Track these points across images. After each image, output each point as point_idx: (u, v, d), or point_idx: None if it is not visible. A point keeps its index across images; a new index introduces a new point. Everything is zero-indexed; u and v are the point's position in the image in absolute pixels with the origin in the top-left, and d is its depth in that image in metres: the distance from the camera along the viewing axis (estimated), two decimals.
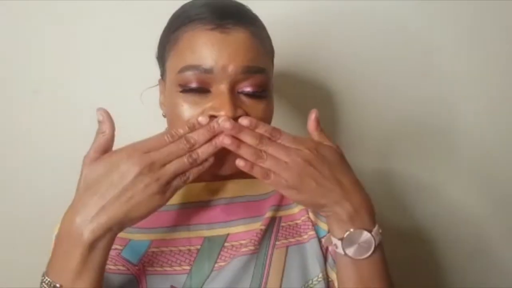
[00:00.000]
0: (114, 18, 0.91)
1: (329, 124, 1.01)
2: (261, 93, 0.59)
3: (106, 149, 0.54)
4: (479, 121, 1.06)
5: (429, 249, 1.09)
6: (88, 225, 0.49)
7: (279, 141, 0.55)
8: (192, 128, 0.54)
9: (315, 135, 0.59)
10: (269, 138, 0.55)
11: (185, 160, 0.53)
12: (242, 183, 0.66)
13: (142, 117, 0.92)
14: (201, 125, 0.54)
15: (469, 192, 1.09)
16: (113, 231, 0.51)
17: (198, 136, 0.53)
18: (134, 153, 0.51)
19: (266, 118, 0.60)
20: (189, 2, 0.63)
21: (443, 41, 1.01)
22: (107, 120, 0.56)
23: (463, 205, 1.09)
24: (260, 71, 0.58)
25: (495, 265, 1.11)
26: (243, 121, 0.54)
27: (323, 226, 0.66)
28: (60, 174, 0.92)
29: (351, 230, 0.55)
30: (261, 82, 0.59)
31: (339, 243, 0.56)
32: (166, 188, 0.52)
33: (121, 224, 0.51)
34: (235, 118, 0.56)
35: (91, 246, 0.50)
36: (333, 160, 0.56)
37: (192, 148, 0.53)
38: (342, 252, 0.56)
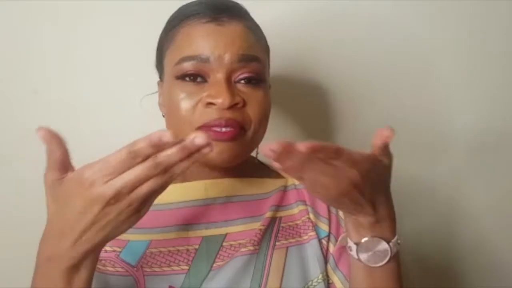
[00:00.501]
0: (114, 18, 0.91)
1: (327, 125, 1.01)
2: (258, 81, 0.61)
3: (63, 166, 0.48)
4: (478, 123, 1.06)
5: (429, 250, 1.09)
6: (67, 253, 0.46)
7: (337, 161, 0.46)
8: (157, 146, 0.43)
9: (378, 149, 0.50)
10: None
11: (158, 180, 0.44)
12: (241, 182, 0.66)
13: (142, 117, 0.92)
14: (167, 144, 0.43)
15: (468, 191, 1.09)
16: (95, 251, 0.48)
17: (169, 158, 0.43)
18: (92, 186, 0.43)
19: (264, 107, 0.61)
20: (184, 4, 0.65)
21: (442, 43, 1.01)
22: (52, 139, 0.49)
23: (461, 204, 1.09)
24: (255, 59, 0.60)
25: (494, 263, 1.11)
26: (305, 146, 0.42)
27: (323, 227, 0.66)
28: None
29: (369, 237, 0.52)
30: (257, 69, 0.61)
31: (354, 247, 0.53)
32: (141, 207, 0.46)
33: (102, 245, 0.48)
34: (233, 105, 0.57)
35: (74, 268, 0.47)
36: (379, 179, 0.51)
37: (165, 170, 0.44)
38: (356, 257, 0.53)
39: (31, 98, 0.90)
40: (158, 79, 0.71)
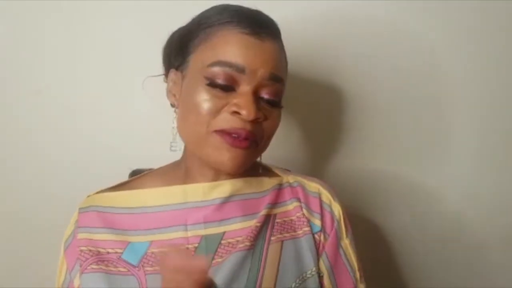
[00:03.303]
0: (117, 19, 0.91)
1: (338, 124, 1.02)
2: (278, 102, 0.64)
3: None
4: (480, 121, 1.06)
5: (429, 250, 1.09)
6: None
7: None
8: None
9: None
10: None
11: None
12: (239, 182, 0.68)
13: (145, 117, 0.93)
14: None
15: (473, 193, 1.08)
16: None
17: None
18: None
19: (277, 125, 0.66)
20: (221, 5, 0.66)
21: (448, 43, 1.01)
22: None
23: (468, 206, 1.09)
24: (281, 81, 0.64)
25: (493, 267, 1.11)
26: None
27: (316, 222, 0.69)
28: (62, 174, 0.93)
29: None
30: (280, 91, 0.64)
31: None
32: None
33: None
34: (254, 120, 0.60)
35: None
36: None
37: None
38: None
39: (34, 98, 0.91)
40: (161, 79, 0.72)
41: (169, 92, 0.68)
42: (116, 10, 0.90)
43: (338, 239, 0.69)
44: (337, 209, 0.70)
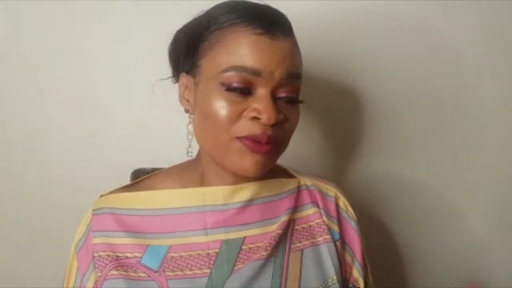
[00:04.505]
0: (121, 17, 0.90)
1: (353, 122, 1.02)
2: (296, 98, 0.62)
3: None
4: (503, 123, 1.05)
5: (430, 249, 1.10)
6: None
7: None
8: None
9: None
10: None
11: None
12: (259, 185, 0.67)
13: (149, 116, 0.93)
14: None
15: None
16: None
17: None
18: None
19: (297, 123, 0.64)
20: (229, 2, 0.63)
21: (467, 40, 1.01)
22: None
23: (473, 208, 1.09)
24: (298, 77, 0.62)
25: (494, 264, 1.12)
26: None
27: (335, 229, 0.68)
28: (67, 173, 0.93)
29: None
30: (298, 88, 0.62)
31: None
32: None
33: None
34: (275, 123, 0.58)
35: None
36: None
37: None
38: None
39: (37, 97, 0.90)
40: (163, 78, 0.71)
41: (182, 98, 0.66)
42: (120, 9, 0.90)
43: (362, 245, 0.71)
44: (353, 216, 0.71)
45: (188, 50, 0.64)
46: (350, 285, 0.68)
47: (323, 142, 1.02)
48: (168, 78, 0.72)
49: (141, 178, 0.72)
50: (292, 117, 0.62)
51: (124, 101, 0.93)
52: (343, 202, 0.72)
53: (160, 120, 0.92)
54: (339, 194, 0.72)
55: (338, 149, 1.03)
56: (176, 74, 0.69)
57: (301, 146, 0.96)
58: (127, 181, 0.82)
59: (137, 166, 0.85)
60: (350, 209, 0.71)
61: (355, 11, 0.96)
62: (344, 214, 0.70)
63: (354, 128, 1.02)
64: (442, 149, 1.04)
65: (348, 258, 0.69)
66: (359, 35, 0.97)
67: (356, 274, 0.69)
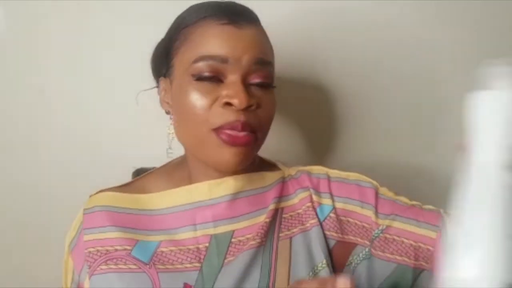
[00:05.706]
0: (120, 18, 0.91)
1: (329, 123, 1.02)
2: (269, 85, 0.63)
3: None
4: None
5: None
6: None
7: None
8: None
9: None
10: None
11: None
12: (243, 178, 0.67)
13: (149, 117, 0.93)
14: None
15: None
16: None
17: None
18: None
19: (273, 110, 0.65)
20: (195, 4, 0.65)
21: (445, 42, 1.01)
22: None
23: None
24: (268, 64, 0.63)
25: None
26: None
27: (328, 202, 0.67)
28: (66, 173, 0.93)
29: None
30: (269, 74, 0.63)
31: None
32: None
33: None
34: (249, 107, 0.59)
35: None
36: None
37: None
38: None
39: (37, 97, 0.91)
40: (147, 89, 0.73)
41: (163, 101, 0.68)
42: (120, 9, 0.91)
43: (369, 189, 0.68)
44: (353, 176, 0.70)
45: (163, 54, 0.67)
46: (376, 230, 0.65)
47: (301, 142, 1.02)
48: (153, 88, 0.73)
49: (134, 179, 0.73)
50: (265, 103, 0.62)
51: (125, 102, 0.92)
52: (337, 172, 0.70)
53: (161, 120, 0.93)
54: (330, 170, 0.71)
55: (316, 149, 1.02)
56: (158, 84, 0.71)
57: (278, 145, 0.94)
58: (128, 180, 0.83)
59: (138, 165, 0.86)
60: (347, 173, 0.70)
61: (322, 9, 0.96)
62: (340, 180, 0.69)
63: (332, 125, 1.01)
64: (416, 143, 1.04)
65: (357, 210, 0.67)
66: (331, 35, 0.97)
67: (370, 213, 0.66)
